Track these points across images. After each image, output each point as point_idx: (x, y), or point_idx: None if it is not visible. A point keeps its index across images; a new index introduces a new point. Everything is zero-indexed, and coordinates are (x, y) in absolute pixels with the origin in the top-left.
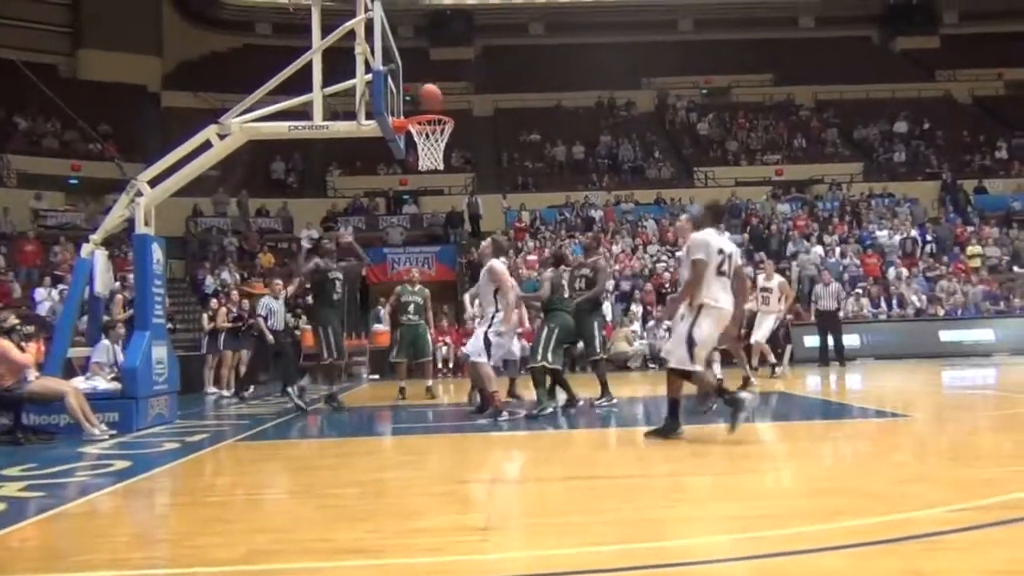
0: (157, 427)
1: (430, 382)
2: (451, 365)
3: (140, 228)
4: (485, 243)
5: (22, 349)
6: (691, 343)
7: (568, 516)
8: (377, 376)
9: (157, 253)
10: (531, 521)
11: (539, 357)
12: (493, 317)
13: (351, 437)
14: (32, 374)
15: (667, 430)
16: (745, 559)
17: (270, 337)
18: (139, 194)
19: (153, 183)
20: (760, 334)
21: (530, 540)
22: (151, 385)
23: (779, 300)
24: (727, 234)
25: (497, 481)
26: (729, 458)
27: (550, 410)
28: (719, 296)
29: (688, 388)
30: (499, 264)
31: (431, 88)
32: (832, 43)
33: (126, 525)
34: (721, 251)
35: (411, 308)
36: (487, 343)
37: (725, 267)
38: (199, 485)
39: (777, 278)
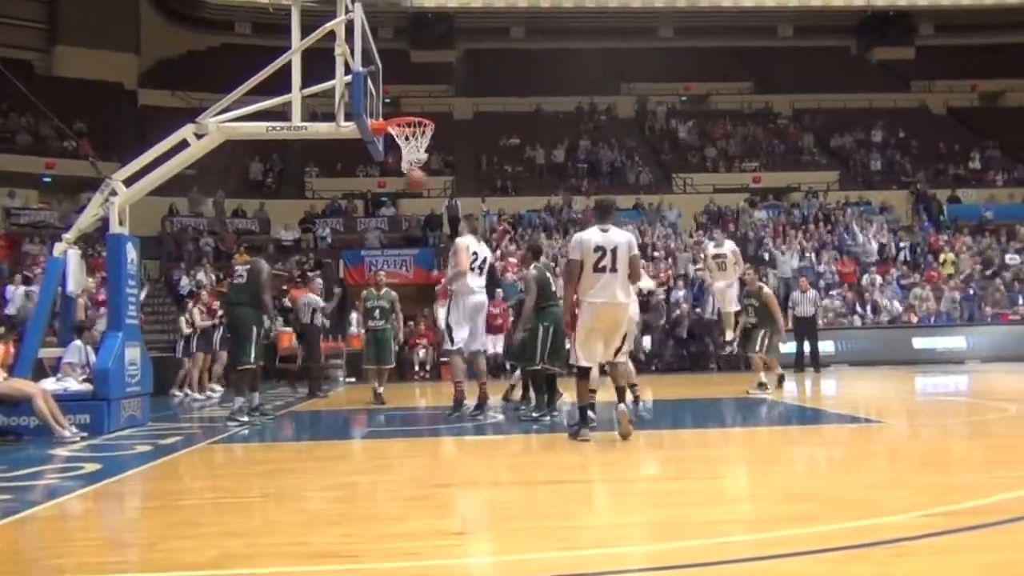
0: (129, 429)
1: (381, 388)
2: (428, 368)
3: (114, 227)
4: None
5: None
6: (573, 340)
7: (543, 520)
8: (353, 379)
9: (131, 253)
10: (506, 525)
11: (537, 360)
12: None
13: (326, 440)
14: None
15: (574, 432)
16: (718, 564)
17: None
18: (114, 193)
19: (128, 182)
20: (731, 306)
21: (505, 544)
22: (123, 387)
23: (734, 265)
24: (614, 228)
25: (473, 485)
26: (706, 463)
27: (548, 419)
28: (596, 292)
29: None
30: (462, 241)
31: (418, 176)
32: (810, 52)
33: (95, 529)
34: (600, 247)
35: (376, 313)
36: (448, 328)
37: (606, 262)
38: (171, 488)
39: (729, 244)
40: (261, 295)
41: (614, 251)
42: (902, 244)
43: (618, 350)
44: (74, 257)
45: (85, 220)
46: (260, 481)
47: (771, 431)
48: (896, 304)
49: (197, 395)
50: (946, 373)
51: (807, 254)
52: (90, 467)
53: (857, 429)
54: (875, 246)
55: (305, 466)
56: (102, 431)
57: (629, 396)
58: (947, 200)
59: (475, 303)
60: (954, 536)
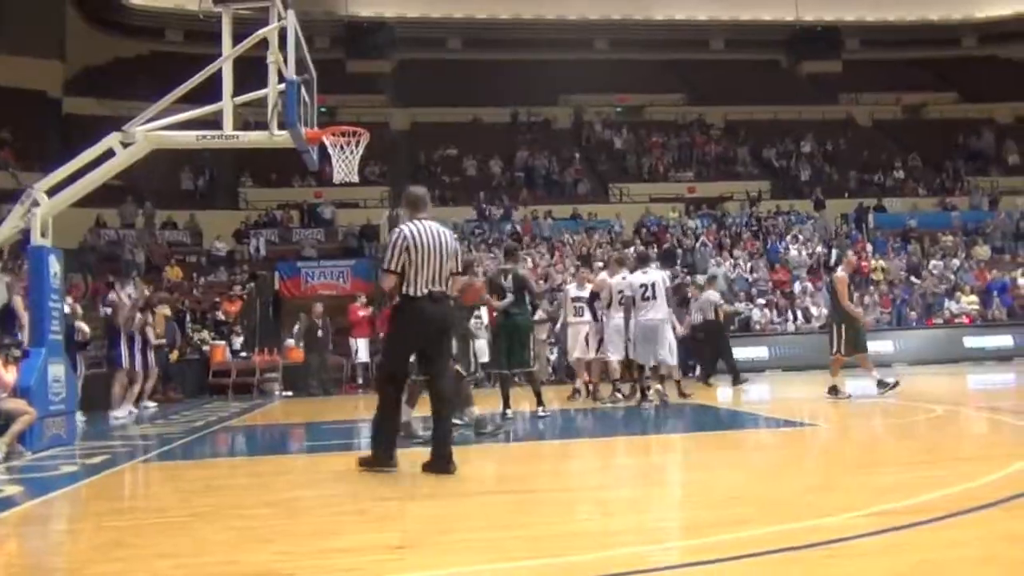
0: (54, 449)
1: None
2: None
3: (36, 239)
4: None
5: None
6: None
7: (483, 532)
8: (290, 393)
9: (54, 266)
10: (447, 538)
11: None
12: None
13: (263, 456)
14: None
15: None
16: (652, 571)
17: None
18: (36, 204)
19: (51, 192)
20: (579, 349)
21: (446, 557)
22: (47, 405)
23: (608, 307)
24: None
25: (412, 498)
26: (640, 470)
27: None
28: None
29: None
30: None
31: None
32: (741, 65)
33: (17, 555)
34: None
35: None
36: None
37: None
38: (98, 509)
39: (602, 278)
40: None
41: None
42: (832, 252)
43: None
44: None
45: (4, 232)
46: (192, 499)
47: (705, 436)
48: (823, 311)
49: (132, 409)
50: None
51: (740, 263)
52: (10, 490)
53: (790, 432)
54: (805, 255)
55: (239, 483)
56: (25, 451)
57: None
58: (873, 209)
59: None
60: (886, 536)
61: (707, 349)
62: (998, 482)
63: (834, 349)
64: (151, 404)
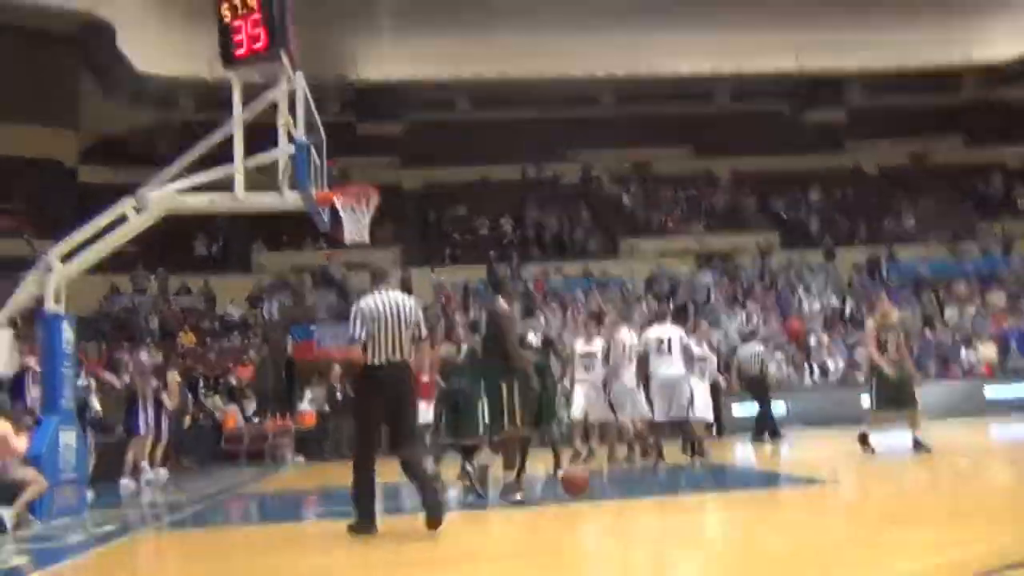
0: (64, 518)
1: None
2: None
3: (50, 306)
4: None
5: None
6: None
7: None
8: (302, 458)
9: (68, 332)
10: None
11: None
12: None
13: (275, 523)
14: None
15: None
16: None
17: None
18: (49, 269)
19: (66, 259)
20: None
21: None
22: (58, 473)
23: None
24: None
25: (429, 564)
26: (658, 532)
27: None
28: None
29: None
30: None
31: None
32: (746, 117)
33: None
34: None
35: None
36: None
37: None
38: None
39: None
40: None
41: (397, 317)
42: (847, 303)
43: None
44: (4, 337)
45: (19, 299)
46: (200, 567)
47: (734, 496)
48: (840, 364)
49: (150, 475)
50: (896, 429)
51: (755, 317)
52: (17, 560)
53: (815, 490)
54: (818, 306)
55: (250, 551)
56: (33, 520)
57: None
58: (886, 259)
59: None
60: None
61: (758, 404)
62: None
63: (871, 403)
64: (163, 471)
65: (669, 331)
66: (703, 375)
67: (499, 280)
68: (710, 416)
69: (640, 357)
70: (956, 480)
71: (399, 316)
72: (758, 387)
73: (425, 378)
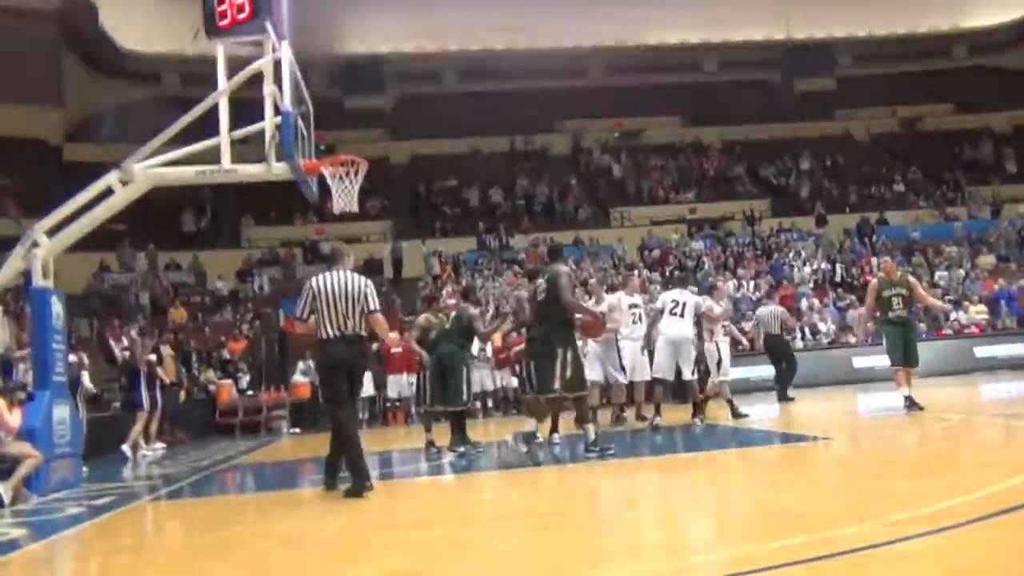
0: (60, 492)
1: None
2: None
3: (38, 281)
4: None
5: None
6: None
7: (495, 558)
8: (298, 430)
9: (57, 307)
10: (461, 566)
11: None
12: None
13: (270, 492)
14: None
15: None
16: None
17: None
18: (36, 245)
19: (52, 234)
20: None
21: None
22: (52, 448)
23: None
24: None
25: (426, 526)
26: (663, 487)
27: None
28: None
29: None
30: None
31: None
32: (735, 86)
33: None
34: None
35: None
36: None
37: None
38: (104, 549)
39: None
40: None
41: (344, 296)
42: (838, 268)
43: None
44: None
45: (6, 274)
46: (199, 536)
47: (727, 453)
48: (831, 327)
49: (146, 451)
50: (887, 390)
51: (745, 283)
52: (16, 532)
53: (808, 447)
54: (808, 271)
55: (246, 518)
56: (29, 495)
57: None
58: (876, 223)
59: None
60: (909, 543)
61: (779, 363)
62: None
63: (892, 361)
64: (159, 445)
65: (685, 296)
66: (724, 335)
67: (557, 248)
68: (723, 377)
69: (653, 314)
70: (948, 435)
71: (347, 292)
72: (779, 346)
73: (396, 349)
